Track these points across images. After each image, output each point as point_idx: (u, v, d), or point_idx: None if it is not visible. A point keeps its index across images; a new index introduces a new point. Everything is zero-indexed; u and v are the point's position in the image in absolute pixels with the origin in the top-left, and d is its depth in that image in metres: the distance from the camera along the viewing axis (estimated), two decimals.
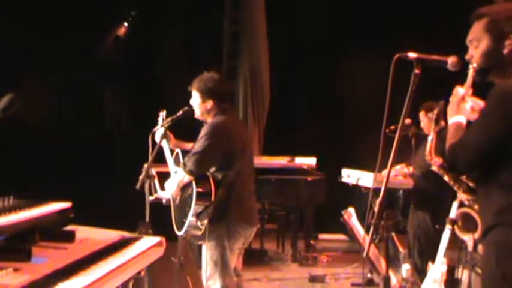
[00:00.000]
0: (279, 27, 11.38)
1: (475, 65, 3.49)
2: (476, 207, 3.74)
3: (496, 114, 3.31)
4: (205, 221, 5.50)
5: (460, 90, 3.54)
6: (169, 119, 5.91)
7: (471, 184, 3.79)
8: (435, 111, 4.73)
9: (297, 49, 11.29)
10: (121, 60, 11.43)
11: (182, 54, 11.02)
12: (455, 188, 4.67)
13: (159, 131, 5.94)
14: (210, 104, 5.68)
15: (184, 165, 5.62)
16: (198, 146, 5.56)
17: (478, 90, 3.54)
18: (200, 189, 5.56)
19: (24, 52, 9.80)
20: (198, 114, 5.79)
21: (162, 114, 6.04)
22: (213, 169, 5.59)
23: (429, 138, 3.98)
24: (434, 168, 4.14)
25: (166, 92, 10.24)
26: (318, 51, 11.14)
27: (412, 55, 3.68)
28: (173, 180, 5.73)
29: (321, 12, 10.97)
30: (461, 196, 4.70)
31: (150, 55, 11.36)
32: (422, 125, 7.64)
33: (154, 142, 5.90)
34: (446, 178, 4.53)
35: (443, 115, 4.50)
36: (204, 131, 5.59)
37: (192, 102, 5.77)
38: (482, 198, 3.53)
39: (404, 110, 3.71)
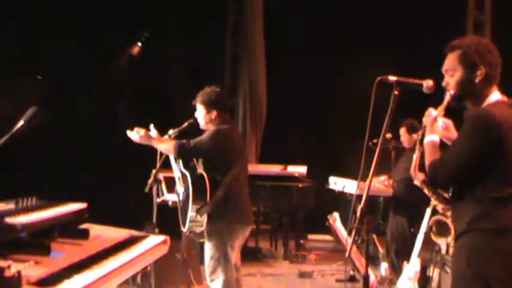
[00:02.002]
0: (274, 48, 11.43)
1: (452, 92, 3.53)
2: (449, 214, 3.76)
3: (472, 139, 3.36)
4: (204, 216, 5.48)
5: (432, 112, 3.58)
6: (176, 130, 5.90)
7: (446, 195, 3.82)
8: (419, 133, 4.76)
9: (291, 68, 11.30)
10: (134, 76, 11.45)
11: (188, 73, 11.03)
12: (432, 198, 4.70)
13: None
14: (214, 114, 5.66)
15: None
16: (200, 138, 5.57)
17: (449, 113, 3.58)
18: (196, 188, 5.58)
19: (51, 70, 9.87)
20: (202, 124, 5.77)
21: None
22: (213, 171, 5.56)
23: (414, 157, 4.01)
24: (417, 183, 4.18)
25: (173, 106, 10.25)
26: (310, 71, 11.15)
27: (391, 78, 3.71)
28: (162, 144, 5.70)
29: (313, 32, 10.97)
30: (437, 205, 4.73)
31: (160, 74, 11.37)
32: (402, 139, 7.65)
33: None
34: (426, 191, 4.57)
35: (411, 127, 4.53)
36: (207, 132, 5.60)
37: (196, 114, 5.76)
38: (458, 208, 3.55)
39: (385, 126, 3.74)
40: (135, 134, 5.70)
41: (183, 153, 5.56)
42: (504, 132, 3.29)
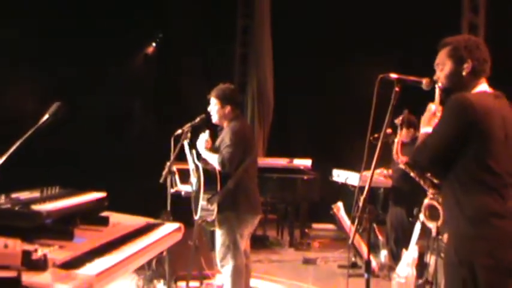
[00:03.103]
0: (281, 48, 11.45)
1: (440, 84, 3.56)
2: (439, 200, 3.77)
3: (449, 121, 3.38)
4: (215, 205, 5.52)
5: (432, 107, 3.60)
6: (189, 124, 5.91)
7: (435, 180, 3.83)
8: (400, 118, 4.79)
9: (297, 67, 11.31)
10: (149, 74, 11.48)
11: (200, 72, 11.04)
12: (421, 182, 4.72)
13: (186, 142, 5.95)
14: (227, 109, 5.69)
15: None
16: (227, 145, 5.55)
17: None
18: (208, 179, 5.63)
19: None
20: (215, 119, 5.78)
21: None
22: None
23: (395, 140, 4.04)
24: (401, 165, 4.19)
25: (186, 102, 10.26)
26: (315, 70, 11.16)
27: (393, 76, 3.72)
28: (207, 155, 5.70)
29: (316, 32, 10.99)
30: (428, 190, 4.75)
31: (174, 72, 11.39)
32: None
33: (175, 143, 5.86)
34: (412, 174, 4.58)
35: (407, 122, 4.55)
36: (228, 135, 5.58)
37: (210, 108, 5.77)
38: (445, 192, 3.55)
39: (386, 121, 3.75)
40: (203, 142, 5.73)
41: (224, 168, 5.54)
42: (479, 115, 3.29)
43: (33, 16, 9.71)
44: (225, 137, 5.60)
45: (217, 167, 5.55)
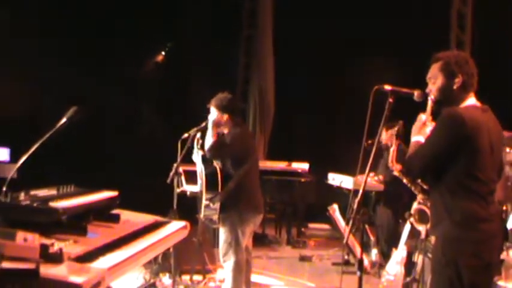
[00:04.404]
0: (281, 58, 11.48)
1: (432, 97, 3.58)
2: (428, 204, 3.79)
3: (442, 135, 3.40)
4: (217, 204, 5.52)
5: (422, 117, 3.62)
6: (195, 129, 5.88)
7: (425, 186, 3.84)
8: (395, 128, 4.80)
9: (297, 76, 11.33)
10: (158, 81, 11.50)
11: (206, 80, 11.05)
12: (412, 189, 4.74)
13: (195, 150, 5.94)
14: (225, 117, 5.67)
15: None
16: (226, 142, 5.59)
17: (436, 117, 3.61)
18: (210, 180, 5.63)
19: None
20: None
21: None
22: (228, 167, 5.59)
23: (391, 150, 4.06)
24: (395, 173, 4.21)
25: (193, 108, 10.27)
26: (314, 80, 11.19)
27: (387, 87, 3.73)
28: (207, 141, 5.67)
29: (314, 38, 11.01)
30: (418, 195, 4.77)
31: (182, 80, 11.42)
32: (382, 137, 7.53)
33: (182, 146, 5.85)
34: (405, 181, 4.61)
35: (403, 132, 4.59)
36: (228, 139, 5.60)
37: (210, 117, 5.78)
38: (434, 198, 3.57)
39: (380, 129, 3.77)
40: (213, 115, 5.71)
41: (211, 150, 5.56)
42: (469, 130, 3.31)
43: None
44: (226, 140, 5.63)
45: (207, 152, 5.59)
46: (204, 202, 5.64)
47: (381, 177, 7.83)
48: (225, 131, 5.73)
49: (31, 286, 2.66)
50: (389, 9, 10.54)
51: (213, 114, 5.72)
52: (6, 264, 2.68)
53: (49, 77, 9.51)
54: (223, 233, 5.58)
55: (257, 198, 5.76)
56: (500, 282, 5.04)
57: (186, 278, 6.69)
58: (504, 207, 5.86)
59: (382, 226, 7.68)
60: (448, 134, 3.36)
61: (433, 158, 3.41)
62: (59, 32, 9.82)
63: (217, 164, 5.65)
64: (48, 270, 2.74)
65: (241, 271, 5.56)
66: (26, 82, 9.42)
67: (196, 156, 5.86)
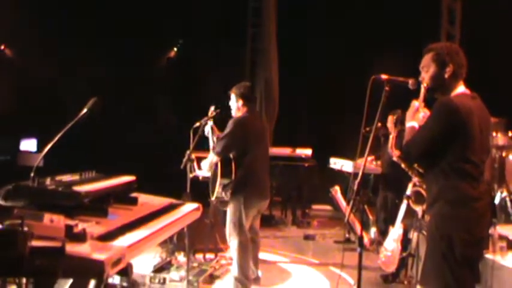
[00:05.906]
0: (285, 53, 11.45)
1: (425, 84, 3.57)
2: (424, 186, 3.78)
3: (436, 120, 3.39)
4: (229, 193, 5.54)
5: (415, 103, 3.61)
6: (206, 118, 5.89)
7: (421, 170, 3.84)
8: (394, 117, 4.79)
9: (300, 69, 11.32)
10: (171, 75, 11.52)
11: (216, 75, 11.06)
12: (409, 172, 4.74)
13: (207, 125, 5.95)
14: (240, 103, 5.69)
15: (214, 148, 5.68)
16: (223, 135, 5.57)
17: (428, 104, 3.60)
18: (224, 169, 5.60)
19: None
20: (233, 111, 5.77)
21: (211, 108, 6.01)
22: (234, 153, 5.56)
23: (390, 137, 4.04)
24: (395, 158, 4.20)
25: (203, 100, 10.28)
26: (315, 73, 11.18)
27: (383, 76, 3.71)
28: (206, 161, 5.72)
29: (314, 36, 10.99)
30: (414, 178, 4.77)
31: (194, 75, 11.42)
32: (388, 125, 7.57)
33: (194, 134, 5.84)
34: (402, 165, 4.60)
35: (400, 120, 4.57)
36: (229, 125, 5.59)
37: (230, 103, 5.78)
38: (429, 181, 3.58)
39: (377, 116, 3.76)
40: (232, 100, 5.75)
41: (222, 154, 5.57)
42: (462, 116, 3.32)
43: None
44: (227, 127, 5.61)
45: (214, 160, 5.63)
46: (217, 190, 5.63)
47: (379, 162, 7.83)
48: (239, 115, 5.73)
49: (58, 262, 2.69)
50: (389, 9, 10.50)
51: (232, 99, 5.74)
52: (35, 243, 2.71)
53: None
54: (229, 215, 5.59)
55: (264, 185, 5.71)
56: (488, 255, 5.04)
57: (199, 256, 6.72)
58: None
59: (382, 207, 7.66)
60: (444, 121, 3.36)
61: (430, 143, 3.41)
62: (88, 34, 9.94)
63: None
64: (73, 248, 2.76)
65: (246, 250, 5.54)
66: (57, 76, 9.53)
67: (211, 138, 5.90)
